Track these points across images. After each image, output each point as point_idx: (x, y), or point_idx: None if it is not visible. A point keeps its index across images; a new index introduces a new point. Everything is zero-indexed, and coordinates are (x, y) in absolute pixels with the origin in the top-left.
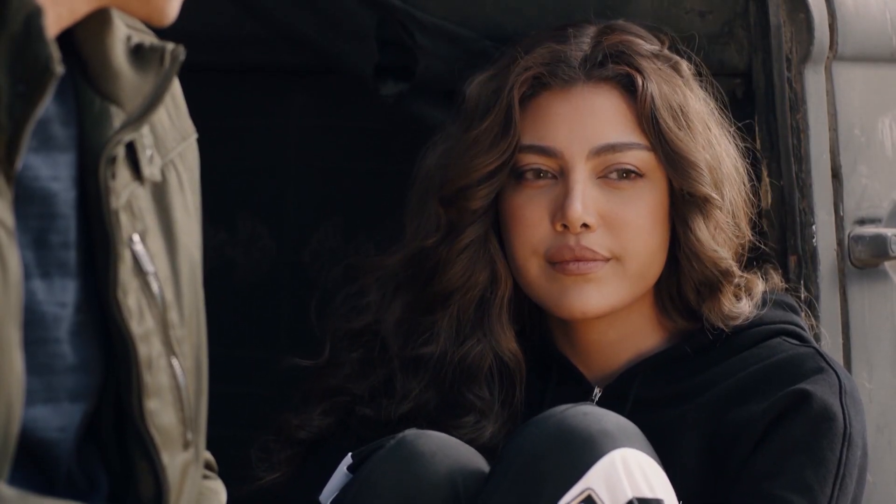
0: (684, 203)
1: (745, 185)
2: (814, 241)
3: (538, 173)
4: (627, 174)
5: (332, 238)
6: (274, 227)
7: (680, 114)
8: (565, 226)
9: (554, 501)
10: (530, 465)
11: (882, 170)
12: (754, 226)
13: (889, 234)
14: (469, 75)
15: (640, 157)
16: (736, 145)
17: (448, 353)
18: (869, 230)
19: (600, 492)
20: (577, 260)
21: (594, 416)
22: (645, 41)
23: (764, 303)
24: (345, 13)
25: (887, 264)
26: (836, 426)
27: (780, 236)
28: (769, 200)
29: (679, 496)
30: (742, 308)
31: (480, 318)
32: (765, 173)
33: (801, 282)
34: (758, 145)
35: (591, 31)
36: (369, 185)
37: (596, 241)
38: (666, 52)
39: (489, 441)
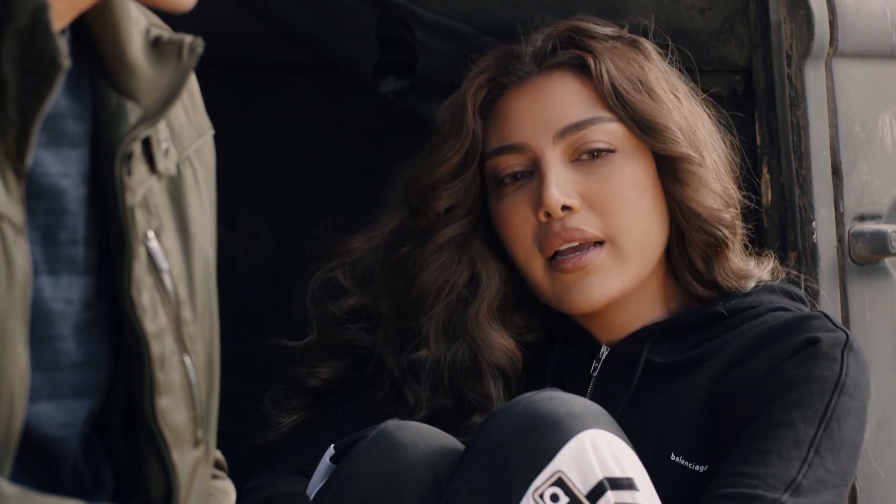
0: (669, 166)
1: (723, 148)
2: (814, 237)
3: (514, 176)
4: (598, 153)
5: (332, 234)
6: (274, 223)
7: (640, 83)
8: (548, 214)
9: (525, 485)
10: (500, 451)
11: (882, 166)
12: (750, 195)
13: (889, 230)
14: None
15: (608, 131)
16: (709, 115)
17: (441, 357)
18: (869, 227)
19: (570, 473)
20: (567, 242)
21: (560, 399)
22: (600, 26)
23: (773, 290)
24: (345, 10)
25: (887, 261)
26: (829, 374)
27: (780, 233)
28: (769, 197)
29: (684, 456)
30: (751, 268)
31: (466, 319)
32: (765, 170)
33: (802, 278)
34: (758, 142)
35: (546, 29)
36: (369, 182)
37: (583, 221)
38: (624, 33)
39: None
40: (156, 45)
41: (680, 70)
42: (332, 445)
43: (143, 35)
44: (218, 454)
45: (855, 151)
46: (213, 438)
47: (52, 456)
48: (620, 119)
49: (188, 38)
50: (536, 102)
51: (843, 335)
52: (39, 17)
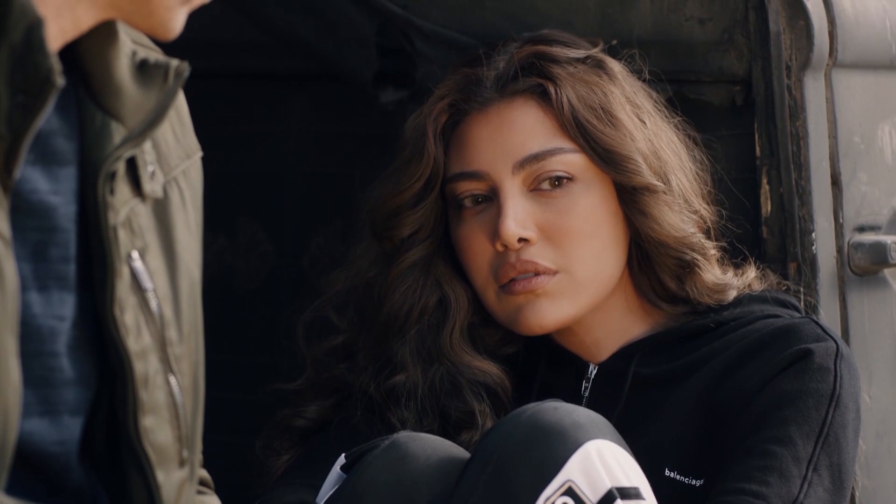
0: (631, 195)
1: (690, 167)
2: (813, 248)
3: (475, 199)
4: (558, 181)
5: (331, 243)
6: (273, 233)
7: (602, 111)
8: (504, 245)
9: (534, 495)
10: (504, 462)
11: (882, 177)
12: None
13: (888, 241)
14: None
15: (567, 161)
16: (677, 134)
17: (419, 380)
18: (868, 237)
19: (580, 483)
20: (522, 273)
21: (564, 409)
22: (566, 47)
23: (763, 300)
24: (345, 20)
25: (887, 271)
26: (824, 387)
27: (779, 243)
28: (769, 208)
29: (679, 471)
30: (728, 279)
31: (440, 343)
32: (764, 181)
33: (801, 289)
34: (757, 152)
35: (512, 47)
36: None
37: (538, 254)
38: (592, 53)
39: None
40: (142, 67)
41: (653, 80)
42: (343, 455)
43: (130, 57)
44: (203, 472)
45: (854, 162)
46: (197, 458)
47: (49, 473)
48: (581, 149)
49: (174, 62)
50: (497, 130)
51: (834, 344)
52: (34, 33)
